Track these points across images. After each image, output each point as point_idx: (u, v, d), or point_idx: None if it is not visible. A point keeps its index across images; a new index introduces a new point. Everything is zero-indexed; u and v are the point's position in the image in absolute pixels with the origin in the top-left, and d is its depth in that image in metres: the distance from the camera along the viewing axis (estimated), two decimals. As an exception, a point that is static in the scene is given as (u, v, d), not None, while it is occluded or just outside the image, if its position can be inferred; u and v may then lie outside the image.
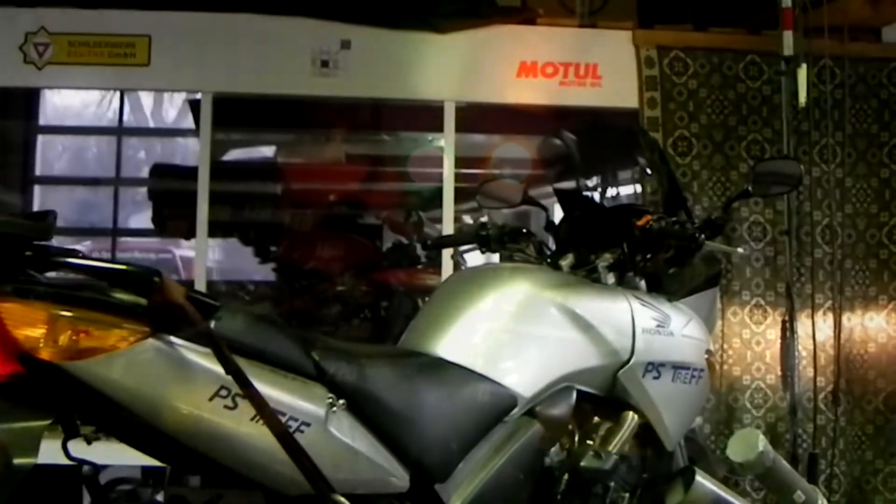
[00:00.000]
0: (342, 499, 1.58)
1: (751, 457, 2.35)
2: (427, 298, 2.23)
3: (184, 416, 1.48)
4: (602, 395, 2.12)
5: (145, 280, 1.42)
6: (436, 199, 4.45)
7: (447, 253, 3.95)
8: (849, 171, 4.24)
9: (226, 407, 1.50)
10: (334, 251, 5.29)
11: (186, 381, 1.47)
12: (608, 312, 2.13)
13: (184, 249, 8.35)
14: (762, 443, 2.36)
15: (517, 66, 4.22)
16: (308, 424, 1.58)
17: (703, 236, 2.30)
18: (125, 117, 7.50)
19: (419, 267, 5.19)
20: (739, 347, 4.15)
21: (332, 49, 4.15)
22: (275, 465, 1.55)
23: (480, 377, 1.91)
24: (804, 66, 3.76)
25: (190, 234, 4.37)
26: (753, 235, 4.18)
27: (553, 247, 2.49)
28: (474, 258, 3.37)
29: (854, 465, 4.16)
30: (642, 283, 2.35)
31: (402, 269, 5.19)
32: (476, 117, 4.43)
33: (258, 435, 1.51)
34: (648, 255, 2.34)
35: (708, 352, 2.33)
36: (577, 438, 2.08)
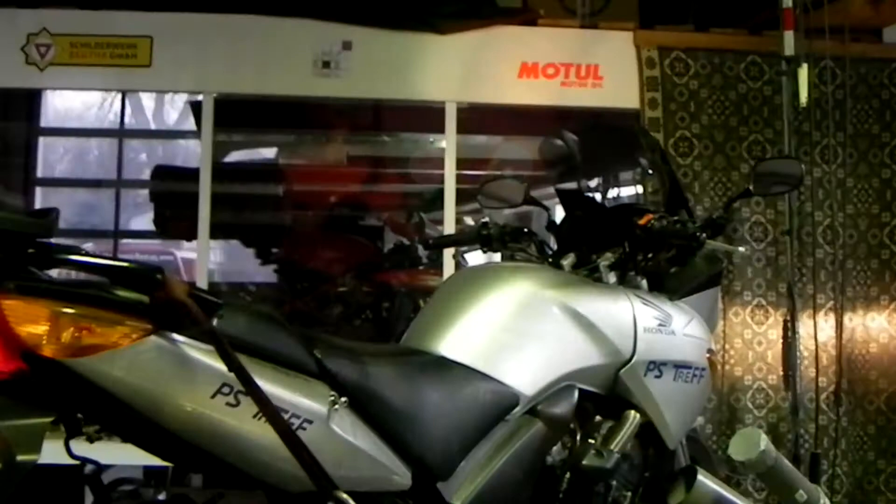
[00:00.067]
0: (345, 496, 1.58)
1: (753, 455, 2.34)
2: (428, 300, 2.23)
3: (186, 413, 1.48)
4: (604, 394, 2.12)
5: (148, 277, 1.42)
6: (437, 200, 4.46)
7: (448, 254, 3.95)
8: (850, 171, 4.24)
9: (228, 404, 1.50)
10: (336, 252, 5.30)
11: (189, 378, 1.47)
12: (610, 311, 2.14)
13: (185, 251, 8.36)
14: (764, 442, 2.36)
15: (518, 67, 4.23)
16: (310, 422, 1.58)
17: (704, 235, 2.30)
18: (126, 119, 7.51)
19: (420, 268, 5.19)
20: (741, 348, 4.15)
21: (333, 50, 4.16)
22: (277, 463, 1.55)
23: (482, 376, 1.91)
24: (805, 66, 3.76)
25: (191, 235, 4.37)
26: (755, 236, 4.19)
27: (554, 246, 2.49)
28: (475, 258, 3.37)
29: (856, 465, 4.16)
30: (644, 283, 2.35)
31: (403, 270, 5.20)
32: (477, 118, 4.44)
33: (260, 432, 1.51)
34: (650, 255, 2.34)
35: (709, 351, 2.33)
36: (578, 437, 2.08)
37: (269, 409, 1.50)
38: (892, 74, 4.32)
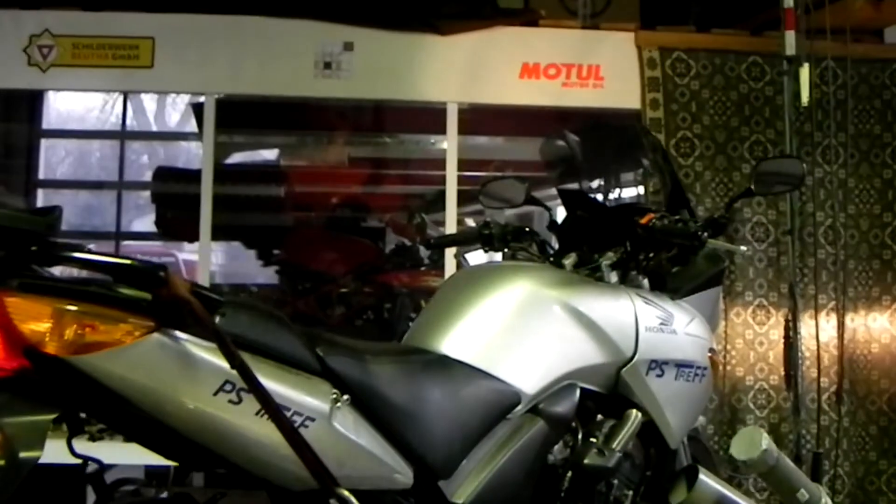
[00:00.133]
0: (347, 493, 1.58)
1: (754, 455, 2.34)
2: (430, 299, 2.23)
3: (188, 410, 1.47)
4: (605, 393, 2.12)
5: (150, 275, 1.42)
6: (438, 201, 4.46)
7: (450, 255, 3.95)
8: (851, 171, 4.25)
9: (230, 402, 1.50)
10: (337, 254, 5.30)
11: (191, 375, 1.47)
12: (611, 310, 2.13)
13: (187, 253, 8.36)
14: (766, 441, 2.36)
15: (520, 68, 4.23)
16: (312, 419, 1.58)
17: (705, 234, 2.29)
18: (128, 121, 7.52)
19: (422, 269, 5.19)
20: (743, 348, 4.15)
21: (335, 51, 4.16)
22: (279, 460, 1.55)
23: (484, 374, 1.91)
24: (806, 66, 3.76)
25: (193, 237, 4.37)
26: (756, 236, 4.19)
27: (556, 246, 2.49)
28: (477, 258, 3.37)
29: (858, 465, 4.16)
30: (645, 282, 2.35)
31: (404, 271, 5.21)
32: (478, 119, 4.44)
33: (262, 430, 1.51)
34: (651, 254, 2.33)
35: (711, 350, 2.33)
36: (580, 436, 2.07)
37: (271, 407, 1.50)
38: (893, 75, 4.33)
